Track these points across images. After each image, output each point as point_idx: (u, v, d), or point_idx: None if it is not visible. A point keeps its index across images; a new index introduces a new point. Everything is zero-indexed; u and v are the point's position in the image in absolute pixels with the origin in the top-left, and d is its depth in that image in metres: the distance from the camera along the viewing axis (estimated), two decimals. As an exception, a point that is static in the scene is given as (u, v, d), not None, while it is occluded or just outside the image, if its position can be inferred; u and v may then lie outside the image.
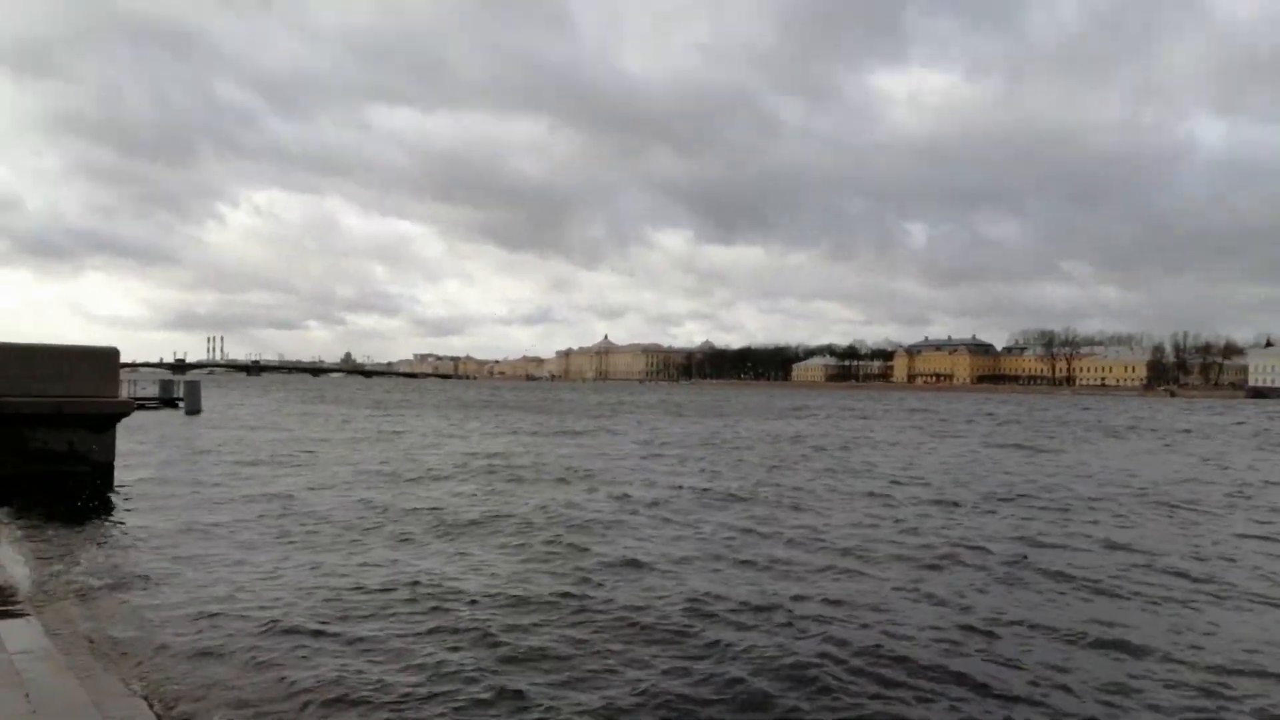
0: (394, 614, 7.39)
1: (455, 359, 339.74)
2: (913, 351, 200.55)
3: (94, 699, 4.48)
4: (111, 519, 11.92)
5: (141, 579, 8.45)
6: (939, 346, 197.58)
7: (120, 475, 13.94)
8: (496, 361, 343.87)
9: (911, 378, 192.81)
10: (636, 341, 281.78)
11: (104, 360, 13.32)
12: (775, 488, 16.44)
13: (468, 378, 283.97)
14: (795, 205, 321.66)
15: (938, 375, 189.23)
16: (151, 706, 4.95)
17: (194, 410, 39.65)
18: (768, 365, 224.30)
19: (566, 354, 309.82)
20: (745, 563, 9.66)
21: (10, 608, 6.28)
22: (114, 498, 12.86)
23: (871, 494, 15.79)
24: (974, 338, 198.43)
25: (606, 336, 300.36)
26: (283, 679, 5.74)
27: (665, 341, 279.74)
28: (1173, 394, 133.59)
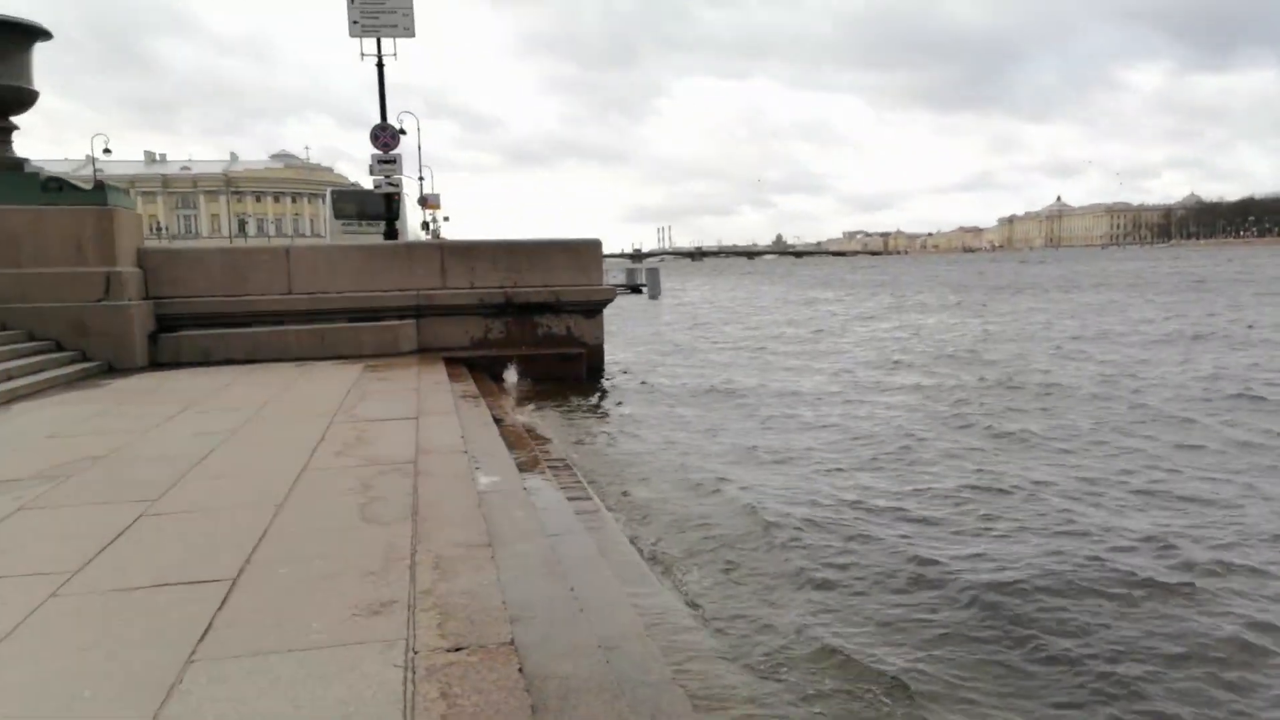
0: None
1: (885, 234, 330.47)
2: None
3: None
4: (605, 391, 12.80)
5: (630, 437, 9.29)
6: None
7: (608, 354, 14.91)
8: (929, 234, 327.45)
9: None
10: (1097, 201, 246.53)
11: (590, 251, 14.02)
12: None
13: (898, 253, 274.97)
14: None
15: None
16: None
17: (655, 295, 42.96)
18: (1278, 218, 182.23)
19: (1009, 221, 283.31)
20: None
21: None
22: (606, 376, 13.72)
23: None
24: None
25: (1059, 198, 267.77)
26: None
27: (1134, 200, 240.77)
28: None
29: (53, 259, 10.84)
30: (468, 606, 3.17)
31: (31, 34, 11.08)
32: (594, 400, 12.04)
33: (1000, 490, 7.08)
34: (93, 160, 51.10)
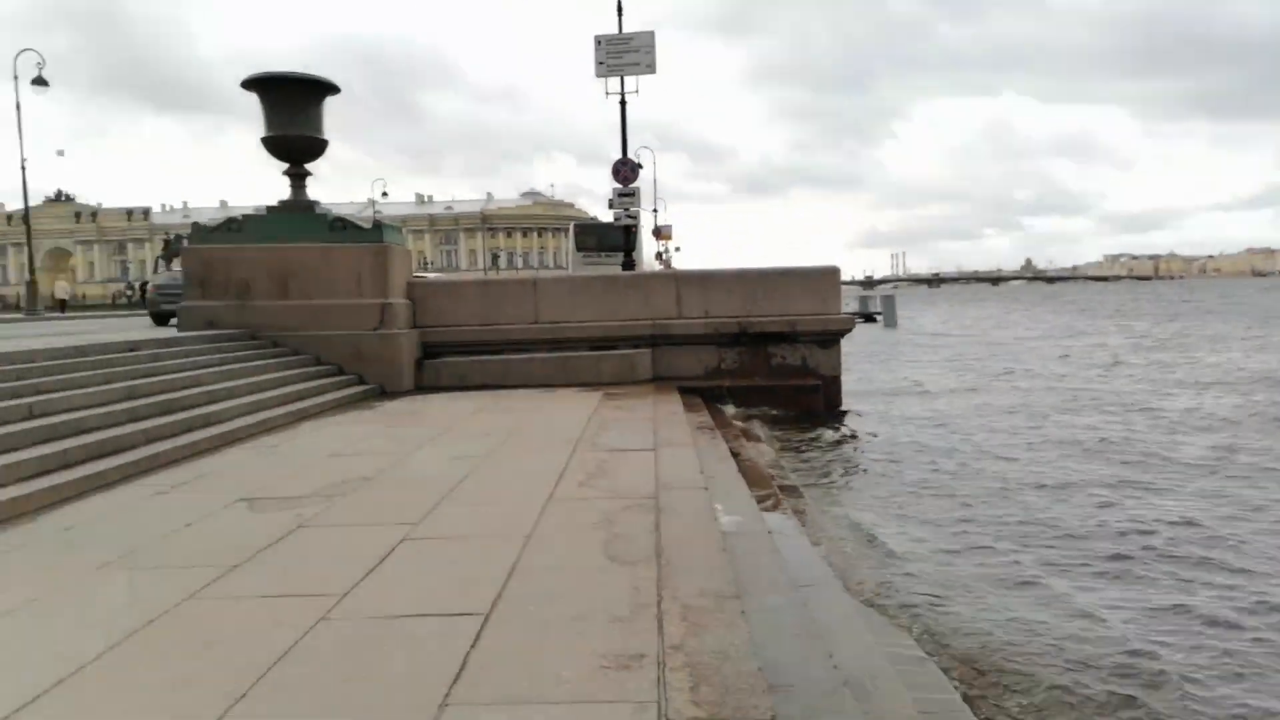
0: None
1: (1154, 257, 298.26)
2: None
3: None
4: (843, 425, 12.20)
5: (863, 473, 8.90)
6: None
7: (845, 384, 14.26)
8: (1209, 257, 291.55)
9: None
10: None
11: (827, 279, 13.55)
12: None
13: (1171, 277, 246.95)
14: None
15: None
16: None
17: (891, 324, 41.22)
18: None
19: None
20: None
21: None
22: (845, 409, 13.11)
23: None
24: None
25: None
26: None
27: None
28: None
29: (337, 291, 12.03)
30: (720, 669, 2.93)
31: (322, 89, 12.41)
32: (834, 436, 11.50)
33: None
34: (372, 202, 57.51)
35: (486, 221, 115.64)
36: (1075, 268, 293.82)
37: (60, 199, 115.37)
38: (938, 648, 4.44)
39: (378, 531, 4.84)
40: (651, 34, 18.63)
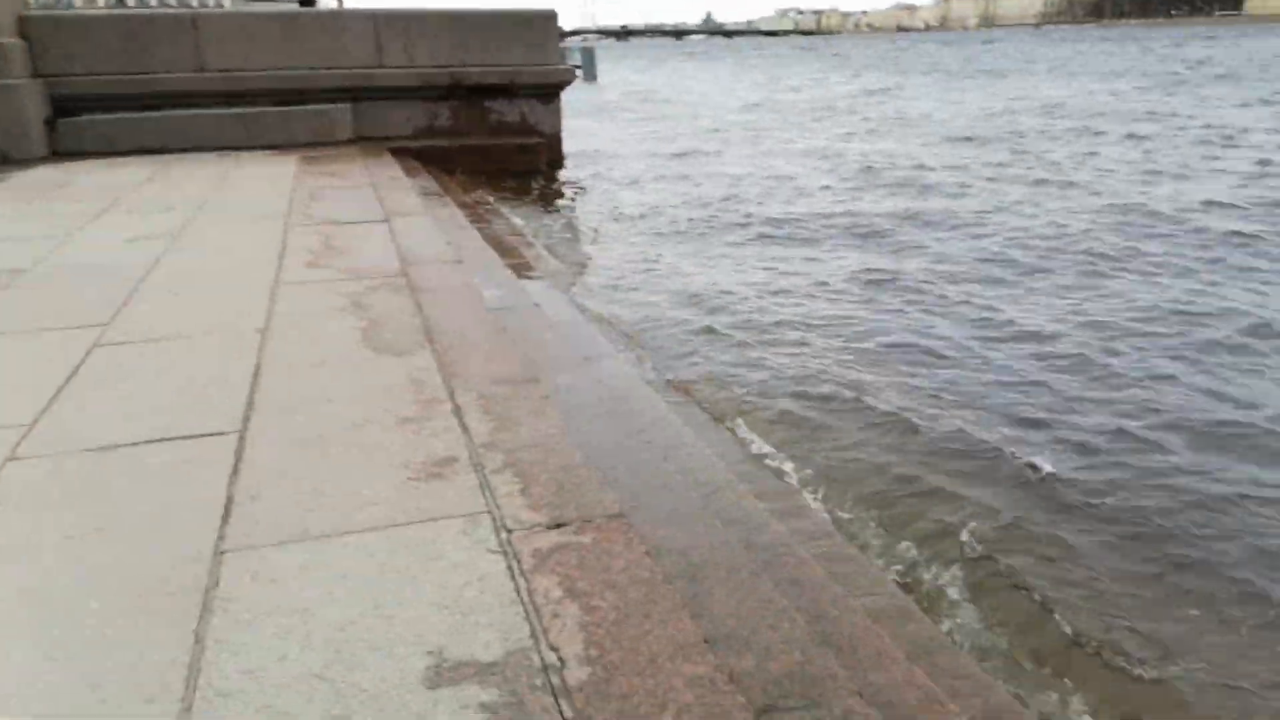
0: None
1: (818, 12, 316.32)
2: None
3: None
4: (571, 185, 11.93)
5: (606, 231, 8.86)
6: None
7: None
8: (863, 12, 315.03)
9: None
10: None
11: (545, 25, 12.51)
12: None
13: (831, 33, 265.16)
14: None
15: None
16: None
17: (591, 77, 40.34)
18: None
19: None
20: None
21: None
22: (567, 170, 12.74)
23: None
24: None
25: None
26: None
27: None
28: None
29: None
30: (546, 464, 2.63)
31: None
32: (569, 199, 11.15)
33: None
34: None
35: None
36: (750, 22, 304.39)
37: None
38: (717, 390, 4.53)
39: (55, 338, 3.83)
40: None
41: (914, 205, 10.53)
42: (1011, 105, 23.85)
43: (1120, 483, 3.81)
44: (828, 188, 12.04)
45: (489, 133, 11.98)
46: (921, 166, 13.53)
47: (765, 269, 7.71)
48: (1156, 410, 4.57)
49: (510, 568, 2.11)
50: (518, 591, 2.02)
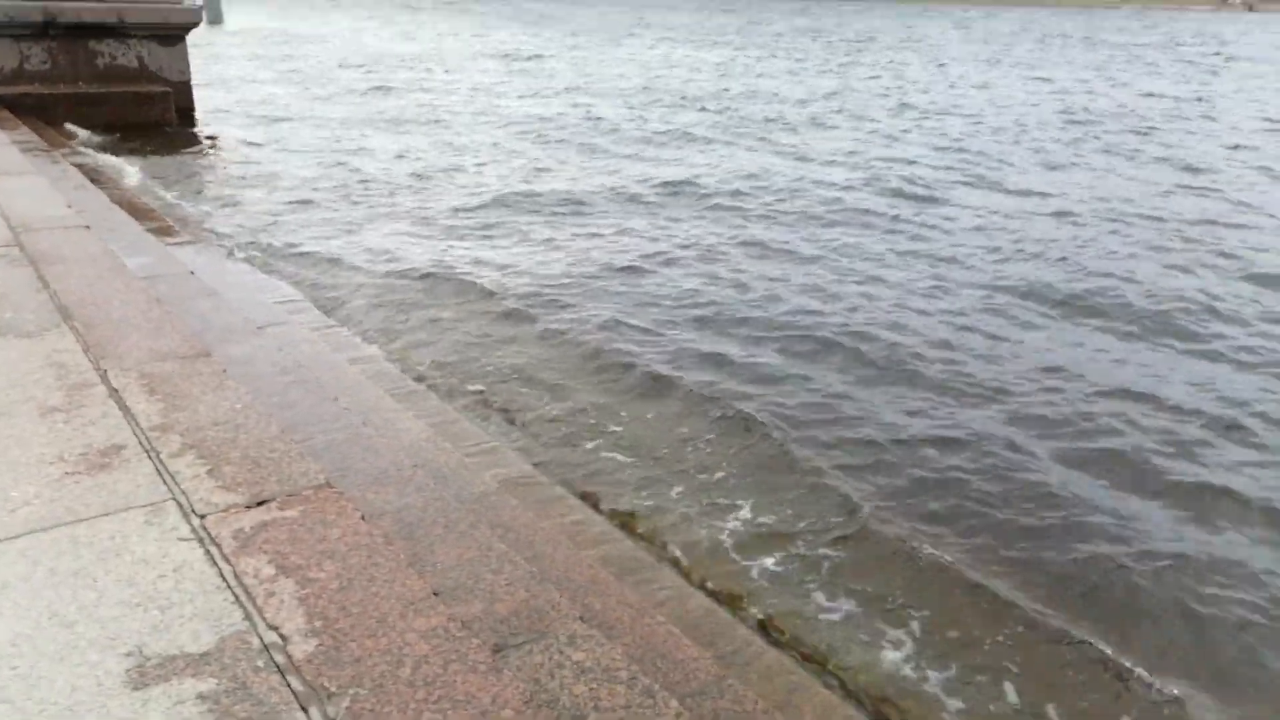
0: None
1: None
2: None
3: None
4: (207, 139, 10.90)
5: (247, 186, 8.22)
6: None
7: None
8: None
9: None
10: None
11: (156, -45, 11.06)
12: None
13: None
14: None
15: None
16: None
17: (216, 20, 36.16)
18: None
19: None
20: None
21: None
22: (203, 125, 11.46)
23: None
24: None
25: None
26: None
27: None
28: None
29: None
30: (235, 441, 2.44)
31: None
32: (204, 155, 10.04)
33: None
34: None
35: None
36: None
37: None
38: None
39: None
40: None
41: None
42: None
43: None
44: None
45: (98, 78, 10.40)
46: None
47: (414, 222, 7.61)
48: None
49: (209, 553, 1.96)
50: (222, 576, 1.89)
